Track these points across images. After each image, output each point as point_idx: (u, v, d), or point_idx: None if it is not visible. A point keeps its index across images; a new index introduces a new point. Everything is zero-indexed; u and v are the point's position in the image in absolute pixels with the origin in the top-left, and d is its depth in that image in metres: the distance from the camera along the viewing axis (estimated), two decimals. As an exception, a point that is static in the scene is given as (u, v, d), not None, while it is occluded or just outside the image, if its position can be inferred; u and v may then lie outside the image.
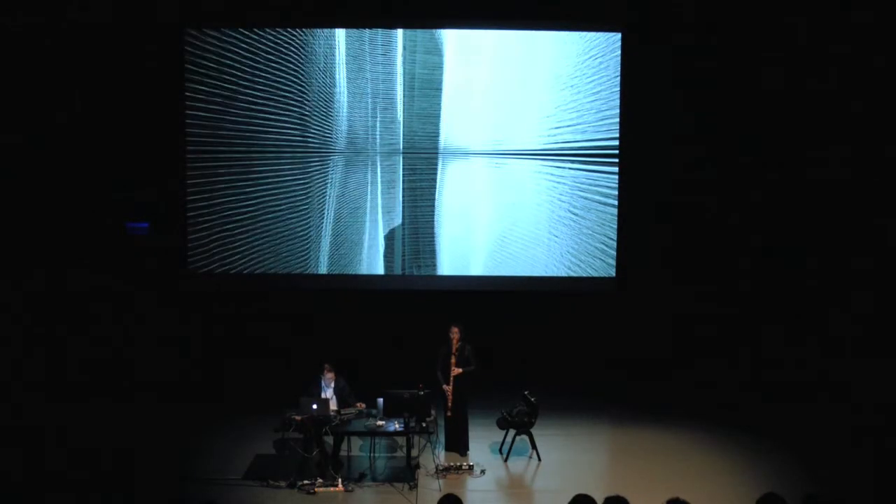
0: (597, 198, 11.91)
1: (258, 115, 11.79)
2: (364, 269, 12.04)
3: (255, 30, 11.67)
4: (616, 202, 11.88)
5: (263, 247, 11.99)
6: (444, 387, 9.55)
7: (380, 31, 11.74)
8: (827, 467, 9.21)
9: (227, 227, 11.97)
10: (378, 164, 11.93)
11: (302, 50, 11.73)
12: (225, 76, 11.72)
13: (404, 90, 11.80)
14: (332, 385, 9.32)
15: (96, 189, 11.68)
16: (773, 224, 11.77)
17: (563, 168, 11.89)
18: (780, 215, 11.72)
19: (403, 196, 11.97)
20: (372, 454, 9.48)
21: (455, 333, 9.55)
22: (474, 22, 11.76)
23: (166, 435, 10.19)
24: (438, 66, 11.77)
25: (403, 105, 11.82)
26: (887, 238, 10.99)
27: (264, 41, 11.69)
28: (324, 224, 11.98)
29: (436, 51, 11.76)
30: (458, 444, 9.69)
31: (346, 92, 11.82)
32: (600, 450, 10.38)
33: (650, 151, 11.78)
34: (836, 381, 11.02)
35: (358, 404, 9.32)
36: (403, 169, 11.92)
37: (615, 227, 11.90)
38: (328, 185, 11.94)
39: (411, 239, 12.02)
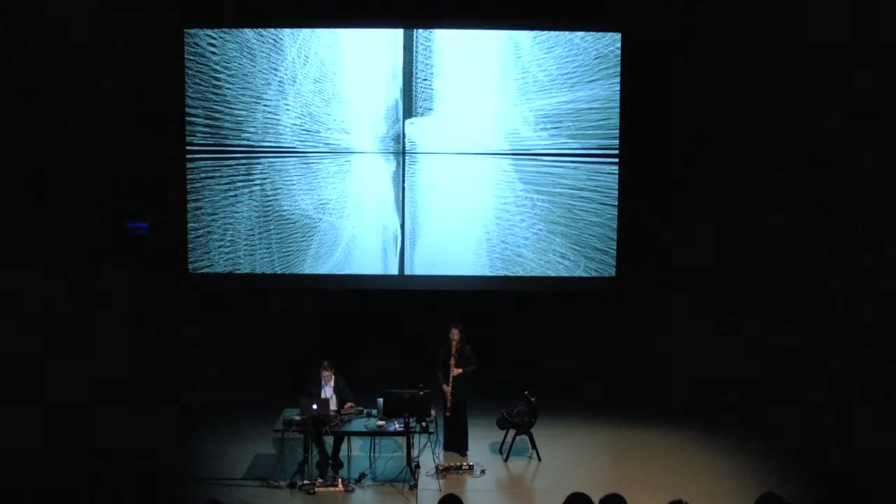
0: (597, 198, 11.91)
1: (258, 115, 11.79)
2: (364, 269, 12.03)
3: (255, 30, 11.66)
4: (616, 202, 11.88)
5: (263, 247, 11.99)
6: (444, 387, 9.55)
7: (380, 30, 11.75)
8: (826, 466, 9.23)
9: (227, 227, 11.97)
10: (378, 163, 11.93)
11: (301, 50, 11.73)
12: (225, 76, 11.73)
13: (403, 90, 11.80)
14: (332, 384, 9.31)
15: (96, 189, 11.67)
16: (772, 223, 11.76)
17: (563, 168, 11.89)
18: (780, 214, 11.71)
19: (403, 196, 11.97)
20: (372, 454, 9.48)
21: (455, 335, 9.56)
22: (474, 22, 11.75)
23: (166, 435, 10.19)
24: (438, 66, 11.77)
25: (403, 105, 11.82)
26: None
27: (264, 41, 11.69)
28: (323, 224, 11.98)
29: (436, 50, 11.76)
30: (458, 444, 9.69)
31: (345, 92, 11.82)
32: (600, 450, 10.38)
33: (650, 151, 11.78)
34: (837, 378, 11.02)
35: (348, 404, 9.31)
36: (403, 169, 11.92)
37: (615, 227, 11.90)
38: (328, 184, 11.94)
39: (411, 239, 12.02)
